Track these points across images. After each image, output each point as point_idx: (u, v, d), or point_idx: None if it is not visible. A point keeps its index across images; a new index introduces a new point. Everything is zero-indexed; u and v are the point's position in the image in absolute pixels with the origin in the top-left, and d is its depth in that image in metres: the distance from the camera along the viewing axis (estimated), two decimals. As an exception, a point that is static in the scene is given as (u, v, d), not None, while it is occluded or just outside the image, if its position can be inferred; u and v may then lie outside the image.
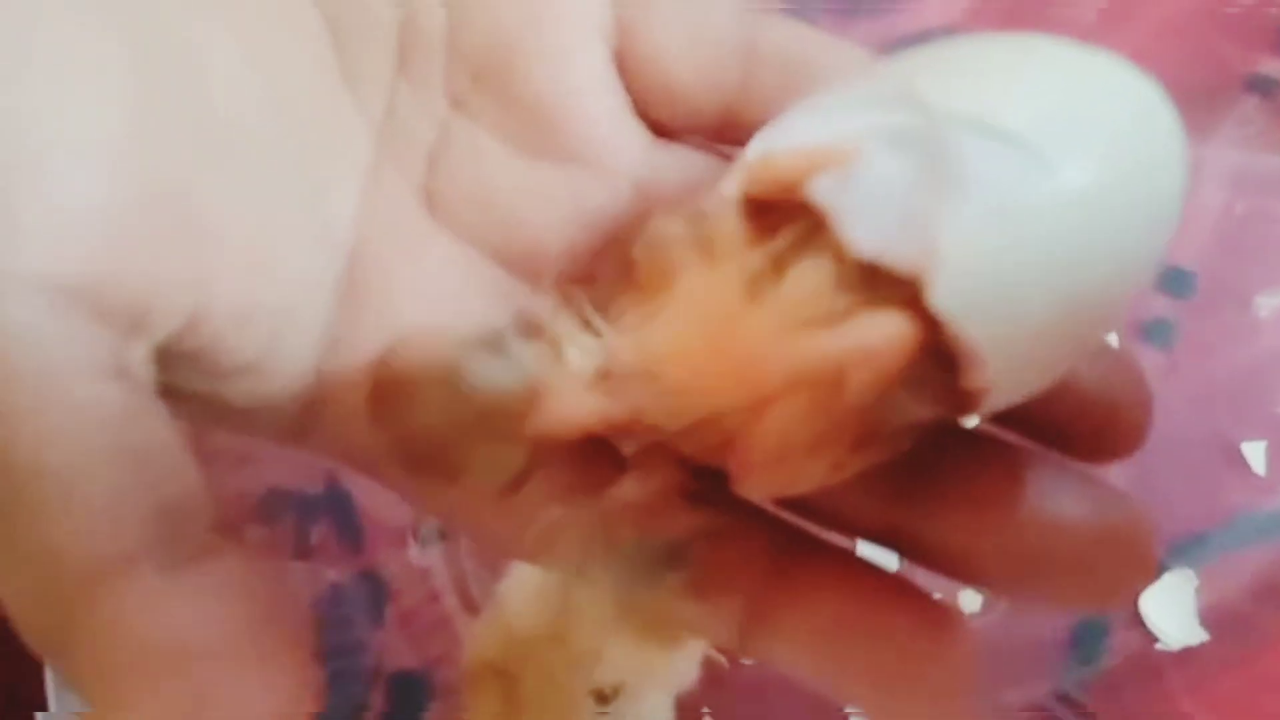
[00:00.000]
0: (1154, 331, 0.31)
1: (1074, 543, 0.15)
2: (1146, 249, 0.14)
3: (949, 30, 0.32)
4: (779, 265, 0.14)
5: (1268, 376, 0.31)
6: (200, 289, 0.14)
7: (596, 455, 0.16)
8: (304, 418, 0.16)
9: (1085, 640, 0.31)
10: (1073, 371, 0.15)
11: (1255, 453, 0.31)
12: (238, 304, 0.15)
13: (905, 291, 0.13)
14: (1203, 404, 0.31)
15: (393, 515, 0.32)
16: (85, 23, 0.13)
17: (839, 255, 0.13)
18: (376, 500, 0.33)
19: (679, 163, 0.17)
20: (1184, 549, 0.31)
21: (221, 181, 0.14)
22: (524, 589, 0.28)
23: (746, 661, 0.30)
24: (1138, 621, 0.31)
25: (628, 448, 0.15)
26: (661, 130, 0.17)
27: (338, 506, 0.32)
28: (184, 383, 0.15)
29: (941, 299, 0.12)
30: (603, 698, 0.25)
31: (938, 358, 0.13)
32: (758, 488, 0.14)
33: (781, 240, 0.14)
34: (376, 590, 0.32)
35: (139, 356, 0.13)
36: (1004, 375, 0.13)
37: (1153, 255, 0.14)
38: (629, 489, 0.15)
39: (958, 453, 0.15)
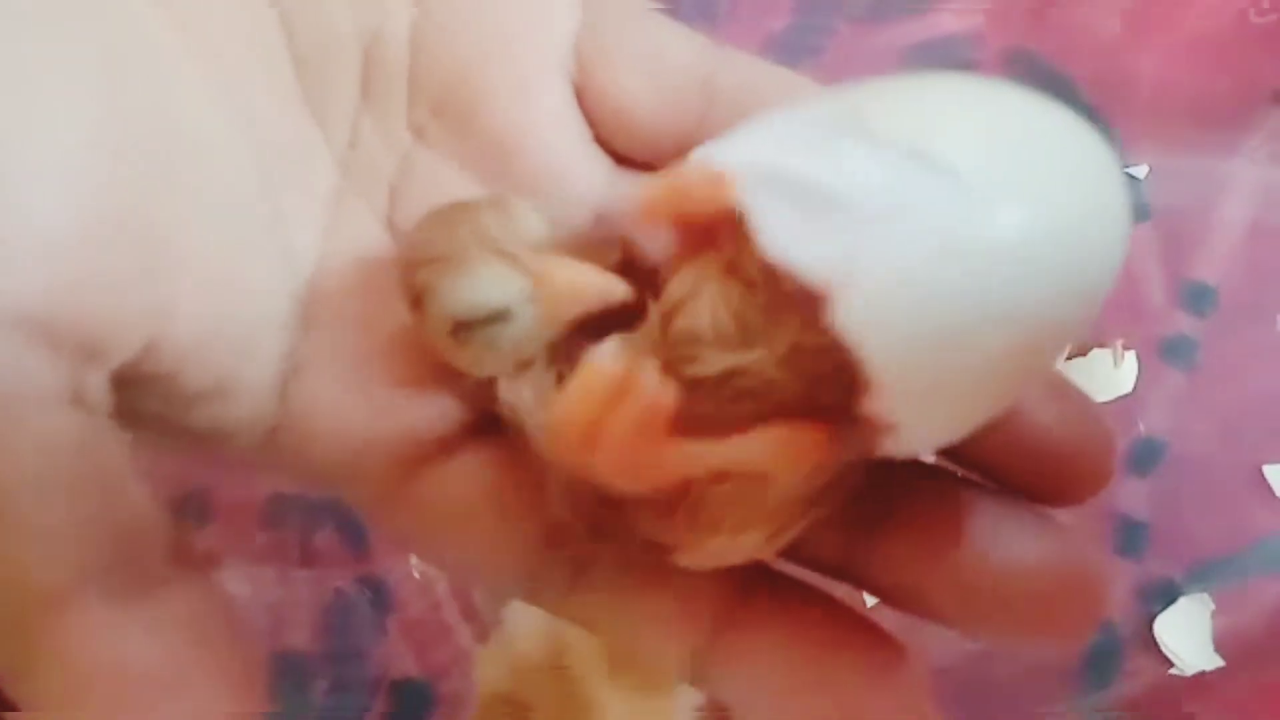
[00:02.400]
0: (1175, 349, 0.31)
1: (1023, 583, 0.15)
2: (1077, 300, 0.13)
3: (969, 38, 0.31)
4: (673, 313, 0.14)
5: (1292, 398, 0.30)
6: (159, 315, 0.14)
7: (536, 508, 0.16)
8: (269, 440, 0.16)
9: (1098, 665, 0.30)
10: (1031, 413, 0.15)
11: (1277, 476, 0.30)
12: (197, 330, 0.14)
13: (807, 313, 0.13)
14: (1224, 425, 0.30)
15: None
16: (51, 47, 0.13)
17: (748, 281, 0.13)
18: None
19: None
20: (1201, 573, 0.30)
21: (185, 208, 0.14)
22: (529, 614, 0.28)
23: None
24: (1153, 646, 0.30)
25: (558, 511, 0.15)
26: (622, 161, 0.17)
27: (342, 513, 0.32)
28: (150, 407, 0.15)
29: (847, 317, 0.12)
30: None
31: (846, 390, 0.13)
32: (694, 562, 0.14)
33: (682, 281, 0.14)
34: (380, 598, 0.32)
35: (95, 383, 0.13)
36: (908, 408, 0.13)
37: (1085, 307, 0.13)
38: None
39: (911, 488, 0.15)
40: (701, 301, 0.14)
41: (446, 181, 0.16)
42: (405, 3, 0.16)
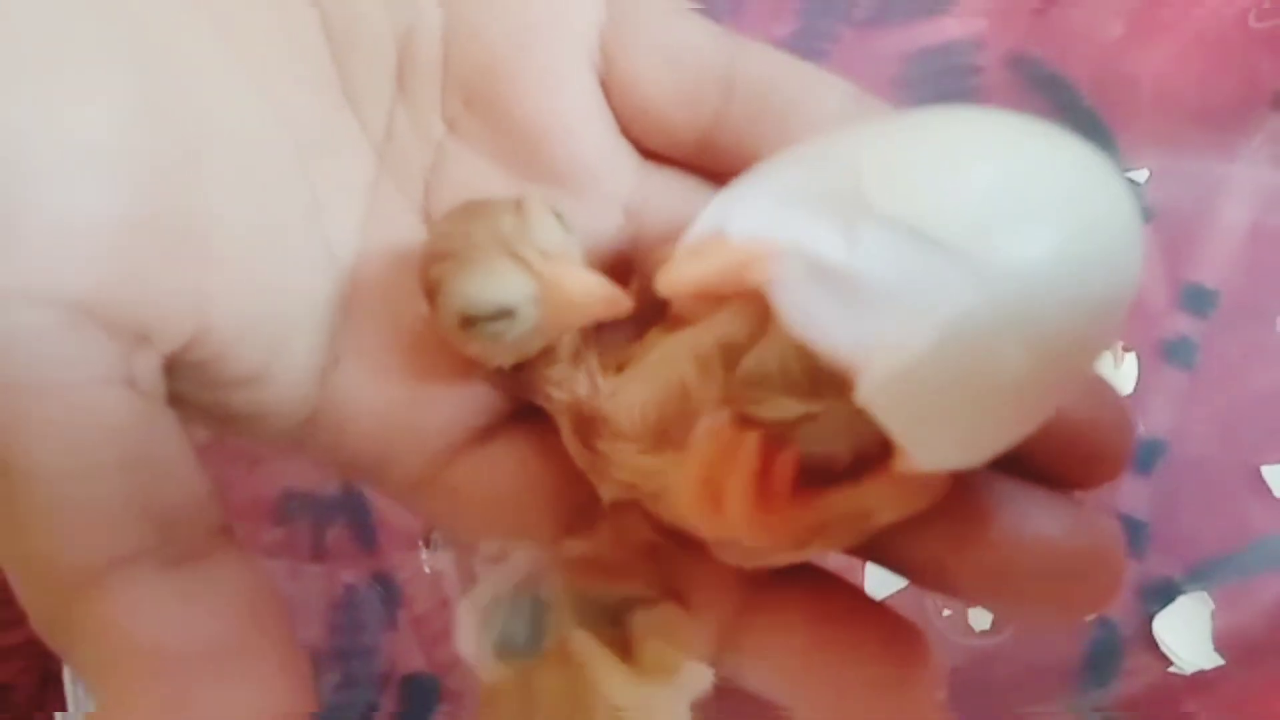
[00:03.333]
0: (1175, 350, 0.31)
1: (1045, 559, 0.15)
2: (1091, 341, 0.14)
3: (971, 43, 0.32)
4: (736, 351, 0.14)
5: (1290, 399, 0.30)
6: (202, 305, 0.14)
7: (581, 500, 0.16)
8: (306, 426, 0.16)
9: (1098, 662, 0.31)
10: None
11: (1276, 476, 0.30)
12: (239, 319, 0.15)
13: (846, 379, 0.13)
14: (1224, 425, 0.31)
15: (406, 519, 0.33)
16: (87, 38, 0.13)
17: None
18: (391, 504, 0.32)
19: (669, 186, 0.17)
20: (1201, 572, 0.31)
21: (223, 198, 0.15)
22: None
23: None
24: (1152, 645, 0.30)
25: (607, 494, 0.16)
26: (646, 155, 0.17)
27: (353, 509, 0.32)
28: (191, 391, 0.15)
29: (867, 396, 0.13)
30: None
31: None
32: (737, 561, 0.15)
33: (735, 322, 0.15)
34: (389, 594, 0.32)
35: (148, 366, 0.14)
36: (932, 461, 0.13)
37: (1098, 345, 0.14)
38: (597, 543, 0.16)
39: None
40: (769, 346, 0.14)
41: (478, 173, 0.17)
42: None
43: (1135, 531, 0.31)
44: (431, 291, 0.15)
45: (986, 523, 0.15)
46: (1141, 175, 0.31)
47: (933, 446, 0.13)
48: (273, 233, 0.15)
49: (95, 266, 0.13)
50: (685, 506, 0.14)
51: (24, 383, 0.13)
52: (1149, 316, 0.31)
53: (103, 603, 0.12)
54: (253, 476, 0.32)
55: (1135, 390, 0.31)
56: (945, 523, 0.15)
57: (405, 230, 0.17)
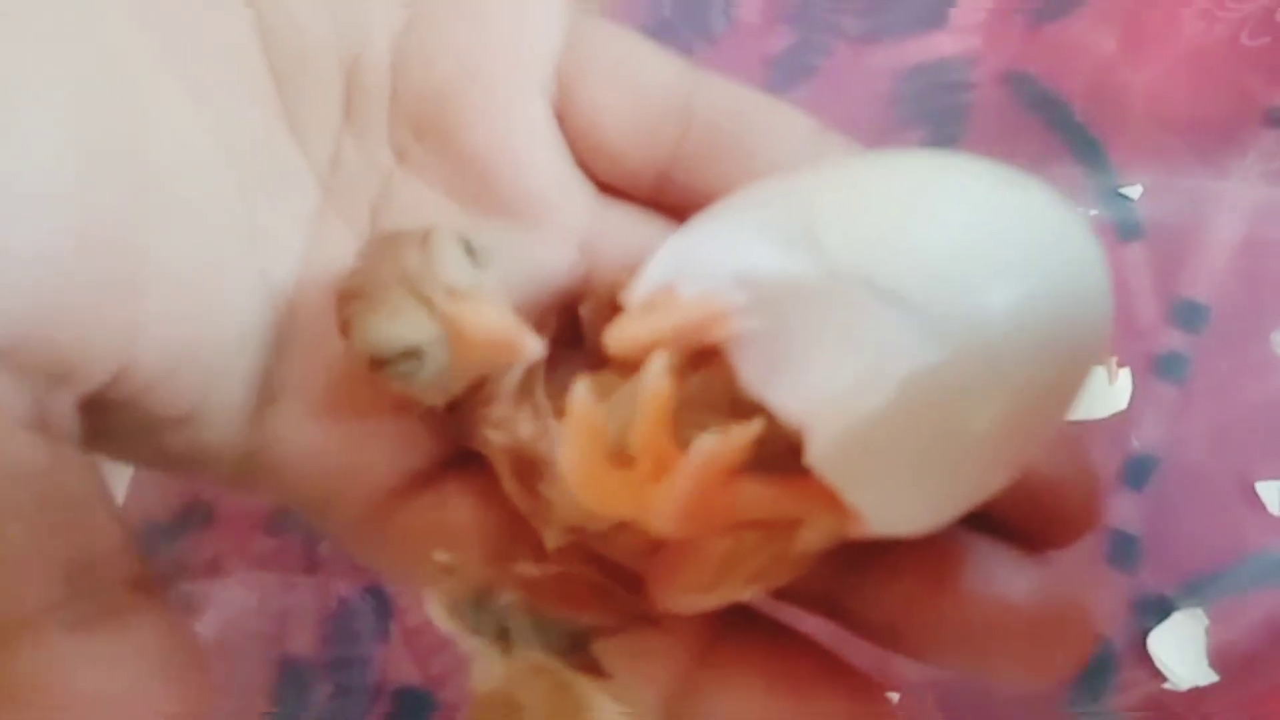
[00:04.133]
0: (1168, 366, 0.31)
1: (1012, 620, 0.14)
2: (1053, 404, 0.13)
3: (965, 59, 0.32)
4: (680, 378, 0.14)
5: (1283, 415, 0.30)
6: (131, 338, 0.14)
7: (519, 541, 0.16)
8: (243, 466, 0.16)
9: (1091, 678, 0.30)
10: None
11: (1270, 492, 0.30)
12: (168, 355, 0.14)
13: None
14: (1217, 441, 0.31)
15: None
16: (22, 60, 0.13)
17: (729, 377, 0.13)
18: None
19: (625, 222, 0.17)
20: (1195, 587, 0.30)
21: (158, 227, 0.14)
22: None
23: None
24: (1146, 661, 0.30)
25: (550, 540, 0.15)
26: (603, 189, 0.17)
27: None
28: (120, 430, 0.14)
29: (816, 457, 0.12)
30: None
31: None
32: (676, 607, 0.14)
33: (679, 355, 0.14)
34: (382, 606, 0.32)
35: (63, 407, 0.13)
36: (886, 524, 0.13)
37: (1060, 407, 0.13)
38: (535, 571, 0.15)
39: None
40: (714, 372, 0.14)
41: (428, 204, 0.16)
42: (387, 23, 0.16)
43: (1128, 546, 0.31)
44: (344, 331, 0.15)
45: (948, 581, 0.15)
46: (1135, 191, 0.31)
47: (886, 509, 0.13)
48: (208, 266, 0.15)
49: (14, 307, 0.12)
50: (574, 467, 0.14)
51: None
52: (1141, 332, 0.31)
53: (11, 662, 0.12)
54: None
55: (1128, 406, 0.31)
56: (905, 579, 0.15)
57: (349, 261, 0.16)
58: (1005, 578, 0.15)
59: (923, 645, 0.15)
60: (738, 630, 0.15)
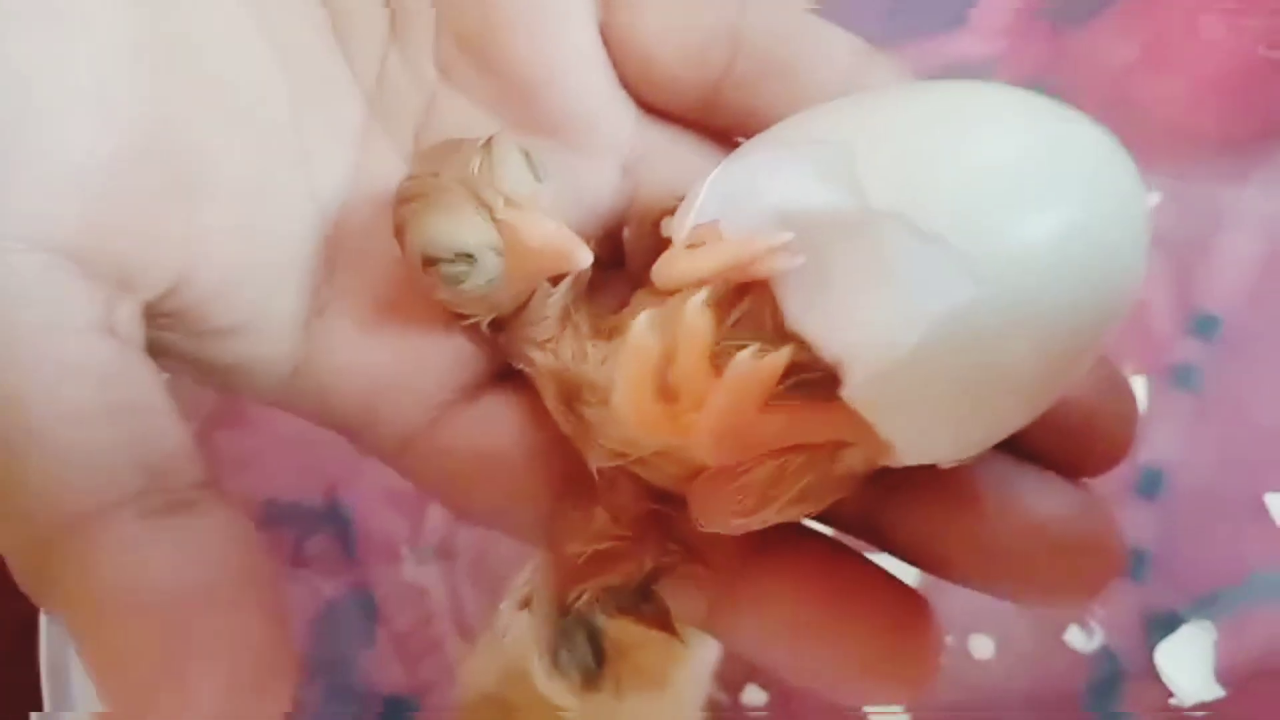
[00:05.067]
0: (1182, 376, 0.31)
1: (1040, 538, 0.15)
2: (1089, 337, 0.13)
3: (989, 61, 0.31)
4: (724, 306, 0.14)
5: (1296, 428, 0.31)
6: (189, 247, 0.14)
7: (571, 464, 0.16)
8: (291, 381, 0.16)
9: (1099, 692, 0.30)
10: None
11: (1280, 506, 0.30)
12: (224, 266, 0.15)
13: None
14: (1228, 453, 0.31)
15: (388, 533, 0.32)
16: None
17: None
18: (373, 518, 0.32)
19: (669, 143, 0.17)
20: (1204, 602, 0.30)
21: (216, 140, 0.14)
22: (519, 616, 0.28)
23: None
24: (1154, 675, 0.30)
25: (594, 461, 0.15)
26: (646, 109, 0.17)
27: (335, 521, 0.32)
28: (173, 341, 0.15)
29: (853, 393, 0.13)
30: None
31: None
32: (719, 528, 0.15)
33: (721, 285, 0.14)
34: (368, 609, 0.31)
35: (127, 314, 0.14)
36: (921, 455, 0.13)
37: (1097, 340, 0.14)
38: (595, 528, 0.15)
39: None
40: (756, 300, 0.14)
41: (471, 120, 0.16)
42: None
43: (1138, 560, 0.31)
44: (399, 231, 0.15)
45: (981, 500, 0.15)
46: (1152, 200, 0.31)
47: (920, 442, 0.13)
48: (261, 180, 0.15)
49: (84, 212, 0.13)
50: (626, 400, 0.14)
51: (9, 329, 0.12)
52: (1157, 342, 0.31)
53: (87, 548, 0.12)
54: (235, 482, 0.30)
55: (1146, 414, 0.31)
56: (939, 499, 0.15)
57: (393, 179, 0.16)
58: (1036, 497, 0.15)
59: (956, 565, 0.15)
60: (776, 540, 0.16)
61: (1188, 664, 0.30)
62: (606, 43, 0.16)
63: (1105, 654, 0.30)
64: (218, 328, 0.15)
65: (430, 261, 0.14)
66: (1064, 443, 0.15)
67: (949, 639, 0.31)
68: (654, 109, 0.17)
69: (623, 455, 0.15)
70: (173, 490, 0.13)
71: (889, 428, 0.13)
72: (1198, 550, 0.30)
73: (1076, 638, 0.31)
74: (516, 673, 0.28)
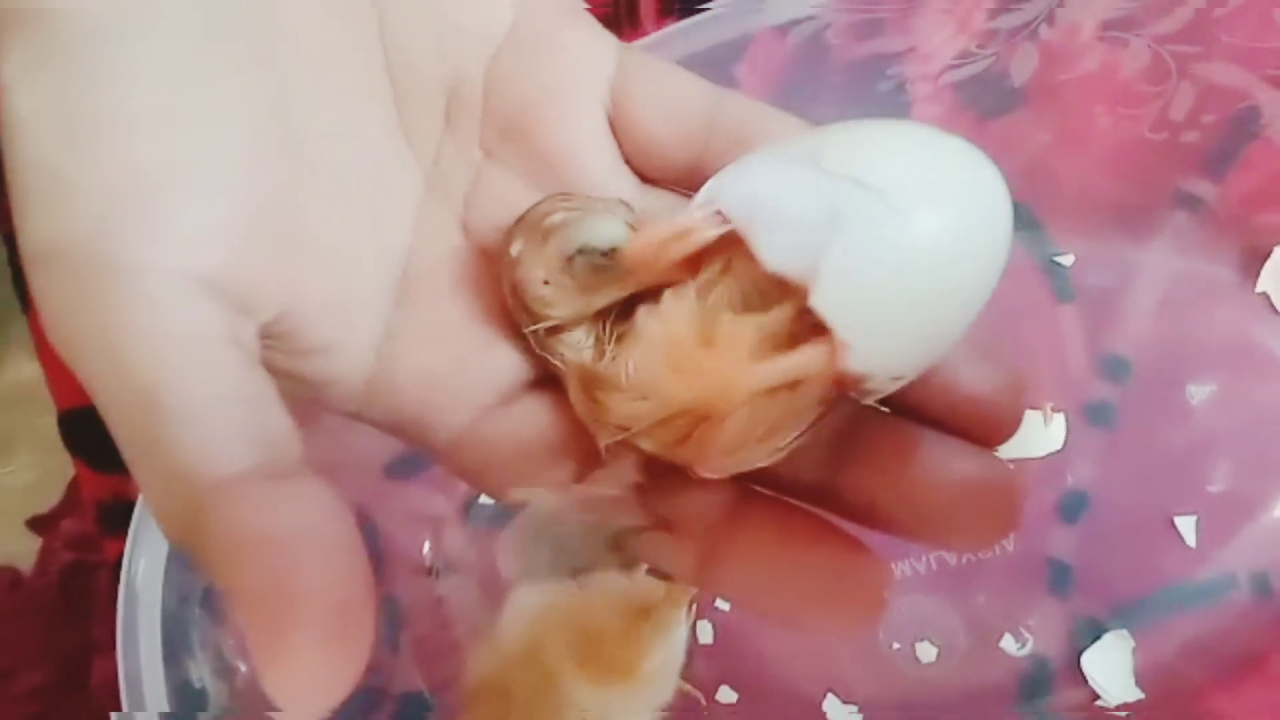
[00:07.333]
0: (1097, 413, 0.35)
1: (963, 493, 0.19)
2: (979, 278, 0.18)
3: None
4: (705, 290, 0.19)
5: (1198, 457, 0.34)
6: (291, 289, 0.18)
7: (587, 451, 0.20)
8: (363, 391, 0.20)
9: (1029, 692, 0.33)
10: (957, 369, 0.19)
11: (1187, 526, 0.34)
12: (318, 300, 0.18)
13: (799, 296, 0.17)
14: (1140, 480, 0.34)
15: (411, 545, 0.36)
16: (222, 79, 0.17)
17: (753, 273, 0.18)
18: (398, 531, 0.36)
19: (661, 202, 0.21)
20: (1123, 613, 0.33)
21: (316, 207, 0.18)
22: (519, 614, 0.31)
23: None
24: (1080, 678, 0.33)
25: (602, 438, 0.19)
26: (644, 178, 0.22)
27: (361, 534, 0.35)
28: (274, 358, 0.19)
29: (819, 302, 0.17)
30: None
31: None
32: (716, 470, 0.18)
33: (707, 273, 0.19)
34: (393, 617, 0.35)
35: (249, 332, 0.17)
36: (871, 360, 0.17)
37: (985, 284, 0.18)
38: (599, 485, 0.20)
39: (869, 430, 0.20)
40: (734, 276, 0.18)
41: (510, 191, 0.21)
42: (480, 55, 0.21)
43: (1063, 574, 0.34)
44: (542, 236, 0.19)
45: (913, 465, 0.19)
46: (1068, 259, 0.36)
47: (869, 341, 0.17)
48: (345, 238, 0.19)
49: (217, 253, 0.17)
50: (666, 363, 0.18)
51: (165, 333, 0.16)
52: (1073, 382, 0.35)
53: (226, 507, 0.15)
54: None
55: (1063, 448, 0.35)
56: (879, 466, 0.19)
57: (447, 236, 0.21)
58: (957, 461, 0.19)
59: (891, 519, 0.19)
60: (754, 505, 0.20)
61: (1110, 668, 0.33)
62: (614, 129, 0.21)
63: (1035, 659, 0.33)
64: (310, 348, 0.19)
65: (582, 253, 0.19)
66: (969, 422, 0.19)
67: (896, 646, 0.34)
68: (649, 178, 0.21)
69: (624, 430, 0.19)
70: (283, 463, 0.16)
71: (846, 329, 0.17)
72: (1116, 566, 0.34)
73: (1010, 644, 0.34)
74: (511, 661, 0.31)
